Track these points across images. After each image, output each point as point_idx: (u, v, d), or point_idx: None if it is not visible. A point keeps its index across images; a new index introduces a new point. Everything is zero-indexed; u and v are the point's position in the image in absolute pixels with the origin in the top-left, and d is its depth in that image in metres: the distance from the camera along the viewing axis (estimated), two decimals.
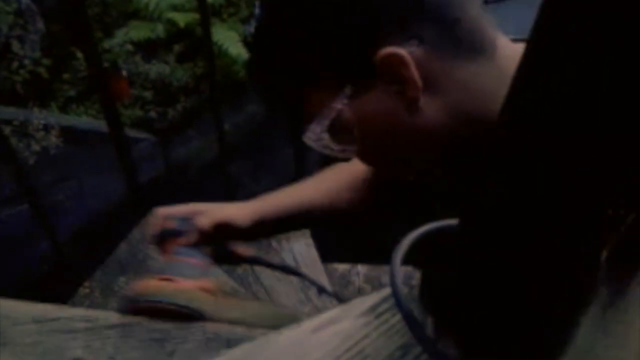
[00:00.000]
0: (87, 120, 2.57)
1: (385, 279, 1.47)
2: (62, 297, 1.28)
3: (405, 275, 1.46)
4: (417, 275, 1.46)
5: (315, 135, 0.64)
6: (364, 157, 0.67)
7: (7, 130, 1.83)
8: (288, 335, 0.59)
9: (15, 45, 2.60)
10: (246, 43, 3.19)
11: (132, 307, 0.81)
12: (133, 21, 3.14)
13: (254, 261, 0.96)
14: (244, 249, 0.93)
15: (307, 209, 0.97)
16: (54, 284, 1.42)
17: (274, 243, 1.60)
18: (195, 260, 0.87)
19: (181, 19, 3.02)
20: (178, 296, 0.79)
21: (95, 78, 1.25)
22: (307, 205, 0.98)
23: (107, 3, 3.11)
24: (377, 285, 1.51)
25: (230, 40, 3.06)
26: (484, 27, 0.59)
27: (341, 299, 1.04)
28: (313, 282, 1.06)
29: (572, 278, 0.37)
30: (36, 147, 2.01)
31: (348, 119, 0.61)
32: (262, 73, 0.69)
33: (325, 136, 0.64)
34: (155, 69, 2.96)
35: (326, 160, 0.92)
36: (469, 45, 0.58)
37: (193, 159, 2.83)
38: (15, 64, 2.58)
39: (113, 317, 0.81)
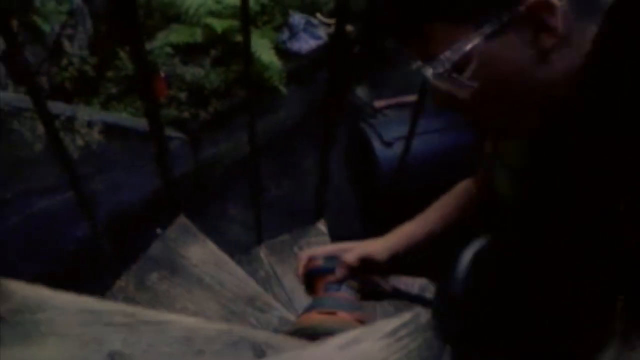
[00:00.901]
0: (126, 117, 2.62)
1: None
2: (97, 286, 1.32)
3: (420, 287, 1.48)
4: (430, 288, 1.48)
5: (440, 68, 0.61)
6: (476, 99, 0.64)
7: (55, 124, 1.87)
8: (315, 350, 0.61)
9: (66, 44, 2.66)
10: (278, 50, 3.21)
11: (302, 335, 0.85)
12: (174, 25, 3.18)
13: (396, 294, 1.00)
14: (386, 283, 0.98)
15: (433, 236, 1.00)
16: (92, 272, 1.46)
17: (295, 249, 1.62)
18: (347, 295, 0.92)
19: (219, 25, 3.05)
20: (340, 328, 0.82)
21: (141, 78, 1.28)
22: (434, 232, 1.00)
23: (151, 7, 3.16)
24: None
25: (263, 48, 3.08)
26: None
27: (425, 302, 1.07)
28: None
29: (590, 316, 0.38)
30: (80, 142, 2.06)
31: (477, 57, 0.60)
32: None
33: (451, 69, 0.61)
34: (192, 71, 3.00)
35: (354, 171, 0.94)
36: (596, 11, 0.57)
37: (221, 159, 2.87)
38: (64, 61, 2.65)
39: (149, 313, 0.84)
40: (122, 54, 2.88)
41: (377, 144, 2.40)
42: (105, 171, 2.17)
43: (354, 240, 1.00)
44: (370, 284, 0.97)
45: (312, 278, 0.98)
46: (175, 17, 3.17)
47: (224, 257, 1.36)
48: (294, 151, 3.03)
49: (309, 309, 0.91)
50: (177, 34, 3.09)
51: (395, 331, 0.60)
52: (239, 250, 1.69)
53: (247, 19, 1.20)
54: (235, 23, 3.03)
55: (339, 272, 0.94)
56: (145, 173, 2.24)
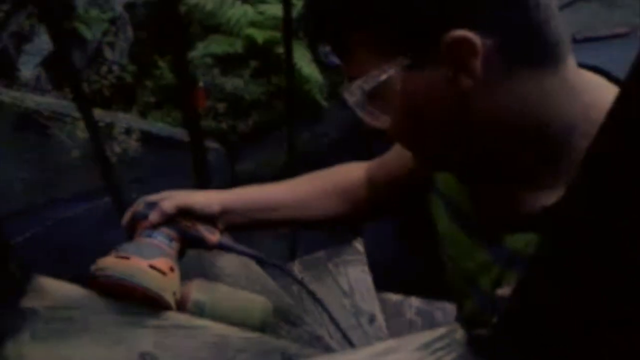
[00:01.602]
0: (163, 126, 2.72)
1: (439, 315, 1.49)
2: None
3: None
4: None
5: (356, 94, 0.61)
6: (394, 130, 0.64)
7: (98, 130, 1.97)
8: (348, 358, 0.63)
9: (107, 51, 2.79)
10: (319, 63, 3.27)
11: (89, 281, 0.87)
12: (214, 35, 3.28)
13: (222, 247, 0.98)
14: (212, 235, 0.95)
15: (277, 206, 0.99)
16: None
17: (330, 265, 1.64)
18: (156, 241, 0.90)
19: (259, 35, 3.13)
20: (127, 272, 0.84)
21: (181, 89, 1.33)
22: (279, 203, 1.00)
23: (191, 17, 3.28)
24: (428, 319, 1.52)
25: (303, 60, 3.14)
26: (561, 40, 0.57)
27: (289, 273, 1.05)
28: (269, 262, 1.05)
29: None
30: (117, 149, 2.15)
31: (392, 88, 0.59)
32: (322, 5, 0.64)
33: (364, 98, 0.61)
34: (231, 82, 3.08)
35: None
36: (542, 54, 0.57)
37: (259, 172, 2.93)
38: (104, 69, 2.78)
39: (182, 318, 0.88)
40: (161, 63, 2.99)
41: None
42: (141, 178, 2.25)
43: (391, 259, 1.01)
44: (191, 233, 0.94)
45: (133, 222, 0.95)
46: (215, 28, 3.27)
47: (257, 270, 1.39)
48: (333, 166, 3.06)
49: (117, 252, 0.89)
50: (217, 44, 3.18)
51: (430, 344, 0.61)
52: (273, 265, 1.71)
53: (289, 30, 1.24)
54: (276, 34, 3.10)
55: (152, 217, 0.91)
56: (180, 182, 2.31)
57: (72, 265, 1.98)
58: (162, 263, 0.87)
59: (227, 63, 3.20)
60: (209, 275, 1.33)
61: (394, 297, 1.61)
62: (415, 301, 1.59)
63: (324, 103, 3.23)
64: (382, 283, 1.62)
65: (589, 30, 2.38)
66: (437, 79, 0.57)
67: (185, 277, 1.39)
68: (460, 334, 0.64)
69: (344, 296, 1.57)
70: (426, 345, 0.62)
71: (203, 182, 1.47)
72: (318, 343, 1.20)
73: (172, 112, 2.90)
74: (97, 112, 2.30)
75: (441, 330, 0.64)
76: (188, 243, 0.95)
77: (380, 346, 0.64)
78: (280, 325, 1.21)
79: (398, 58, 0.57)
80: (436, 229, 0.89)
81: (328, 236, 2.03)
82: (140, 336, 0.84)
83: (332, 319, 0.96)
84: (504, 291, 0.55)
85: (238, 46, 3.18)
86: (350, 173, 1.06)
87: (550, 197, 0.61)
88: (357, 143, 1.81)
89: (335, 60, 3.29)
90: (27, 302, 0.85)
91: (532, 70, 0.57)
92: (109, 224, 1.46)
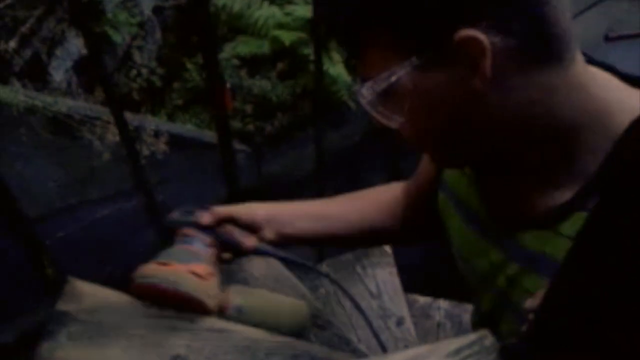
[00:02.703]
0: (191, 128, 2.75)
1: (467, 317, 1.48)
2: None
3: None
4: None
5: (368, 94, 0.62)
6: (406, 129, 0.65)
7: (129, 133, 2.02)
8: None
9: (136, 55, 2.84)
10: (347, 65, 3.28)
11: (130, 288, 0.90)
12: (241, 37, 3.30)
13: (258, 252, 0.99)
14: (248, 240, 0.97)
15: (321, 217, 1.01)
16: None
17: (357, 267, 1.65)
18: (194, 248, 0.93)
19: (287, 37, 3.15)
20: (168, 278, 0.87)
21: (211, 90, 1.35)
22: (323, 215, 1.01)
23: (218, 18, 3.31)
24: (457, 323, 1.52)
25: (331, 61, 3.15)
26: (570, 38, 0.58)
27: (343, 289, 1.06)
28: (335, 282, 1.07)
29: None
30: (146, 151, 2.19)
31: (403, 88, 0.60)
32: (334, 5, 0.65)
33: (376, 98, 0.62)
34: (258, 84, 3.11)
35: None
36: (552, 52, 0.57)
37: (285, 174, 2.95)
38: (133, 72, 2.83)
39: (213, 322, 0.89)
40: (189, 66, 3.03)
41: None
42: (169, 180, 2.29)
43: (420, 261, 1.01)
44: (227, 239, 0.96)
45: (171, 230, 0.99)
46: (243, 29, 3.29)
47: (285, 272, 1.41)
48: (361, 167, 3.06)
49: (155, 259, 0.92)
50: (244, 46, 3.21)
51: (459, 351, 0.62)
52: (300, 267, 1.73)
53: (318, 31, 1.26)
54: (303, 35, 3.11)
55: (201, 219, 0.95)
56: (207, 183, 2.35)
57: (104, 264, 2.04)
58: (201, 268, 0.90)
59: (254, 64, 3.22)
60: (237, 278, 1.35)
61: (422, 299, 1.61)
62: (443, 303, 1.59)
63: (352, 104, 3.23)
64: (411, 285, 1.62)
65: (619, 28, 2.34)
66: (448, 78, 0.58)
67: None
68: (489, 340, 0.64)
69: (372, 298, 1.57)
70: (456, 352, 0.62)
71: (231, 183, 1.50)
72: (347, 347, 1.20)
73: (200, 114, 2.94)
74: (126, 115, 2.34)
75: (471, 337, 0.65)
76: (224, 248, 0.97)
77: (410, 352, 0.65)
78: (308, 329, 1.22)
79: (409, 58, 0.58)
80: (445, 228, 0.89)
81: None
82: (172, 339, 0.86)
83: (368, 322, 0.97)
84: (533, 302, 0.56)
85: (265, 48, 3.20)
86: (390, 190, 1.08)
87: (562, 194, 0.62)
88: (384, 144, 1.81)
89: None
90: (63, 305, 0.88)
91: (541, 68, 0.57)
92: (139, 223, 1.49)
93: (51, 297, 0.90)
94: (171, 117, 2.90)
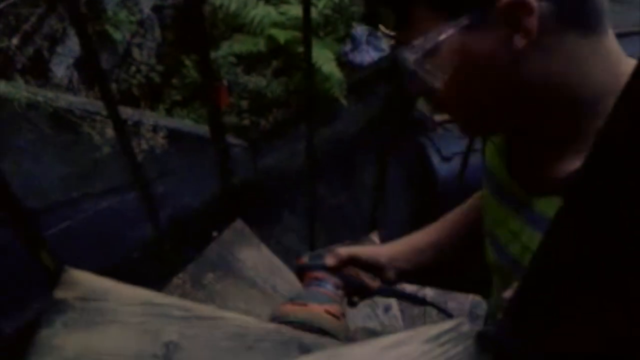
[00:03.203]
0: (189, 123, 2.75)
1: (452, 305, 1.49)
2: (156, 283, 1.40)
3: (472, 303, 1.48)
4: (483, 306, 1.47)
5: (415, 53, 0.63)
6: (445, 90, 0.65)
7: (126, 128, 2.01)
8: (358, 350, 0.64)
9: (135, 52, 2.83)
10: (340, 62, 3.27)
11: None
12: (237, 35, 3.30)
13: (382, 292, 1.04)
14: (372, 281, 1.01)
15: (436, 247, 1.02)
16: (150, 269, 1.56)
17: None
18: (325, 290, 0.97)
19: (282, 35, 3.15)
20: (307, 317, 0.91)
21: (206, 87, 1.35)
22: (436, 244, 1.03)
23: (216, 17, 3.30)
24: (419, 305, 1.53)
25: (324, 59, 3.15)
26: (604, 11, 0.59)
27: (449, 314, 1.10)
28: (443, 311, 1.13)
29: None
30: (145, 146, 2.19)
31: (449, 49, 0.61)
32: None
33: (422, 57, 0.63)
34: (254, 80, 3.10)
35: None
36: (590, 20, 0.58)
37: (280, 167, 2.95)
38: (133, 69, 2.82)
39: (205, 309, 0.90)
40: (187, 63, 3.02)
41: (435, 159, 2.41)
42: (167, 174, 2.29)
43: None
44: (355, 281, 0.99)
45: (301, 273, 1.04)
46: (240, 28, 3.29)
47: (278, 263, 1.41)
48: (353, 163, 3.07)
49: (288, 300, 0.97)
50: (240, 44, 3.20)
51: (439, 336, 0.62)
52: (293, 257, 1.74)
53: (308, 29, 1.25)
54: (297, 34, 3.11)
55: (329, 262, 0.98)
56: (205, 178, 2.34)
57: (100, 257, 2.04)
58: (335, 309, 0.94)
59: (250, 62, 3.22)
60: (232, 267, 1.36)
61: (408, 287, 1.62)
62: (429, 291, 1.59)
63: (344, 101, 3.23)
64: None
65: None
66: (493, 39, 0.59)
67: (211, 269, 1.42)
68: (466, 327, 0.64)
69: None
70: (435, 337, 0.63)
71: (225, 177, 1.50)
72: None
73: (198, 109, 2.94)
74: (125, 111, 2.34)
75: (449, 324, 0.65)
76: (352, 290, 1.01)
77: (389, 339, 0.65)
78: None
79: (457, 19, 0.59)
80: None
81: (346, 230, 2.05)
82: (165, 326, 0.86)
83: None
84: (510, 293, 0.56)
85: (261, 46, 3.20)
86: (475, 202, 1.07)
87: (577, 162, 0.62)
88: (376, 140, 1.82)
89: (355, 59, 3.27)
90: (60, 294, 0.88)
91: (579, 34, 0.58)
92: (140, 216, 1.49)
93: (50, 288, 0.89)
94: (170, 113, 2.89)
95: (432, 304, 1.14)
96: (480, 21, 0.59)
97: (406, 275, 1.02)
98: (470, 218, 1.03)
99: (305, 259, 1.03)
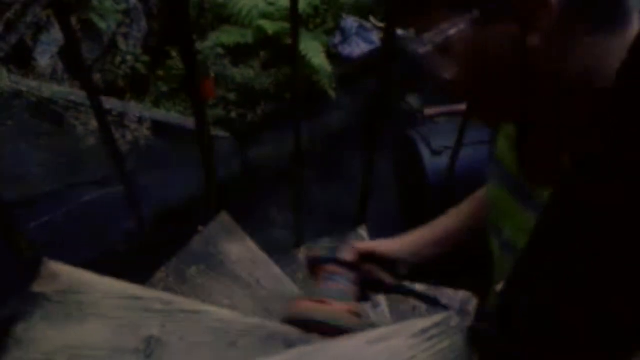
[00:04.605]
0: (175, 115, 2.72)
1: (442, 301, 1.48)
2: (140, 276, 1.38)
3: (462, 300, 1.48)
4: (473, 302, 1.47)
5: (427, 45, 0.63)
6: (457, 82, 0.65)
7: (107, 119, 1.98)
8: (343, 344, 0.63)
9: (121, 42, 2.79)
10: (329, 54, 3.26)
11: (292, 322, 0.91)
12: (225, 26, 3.27)
13: (398, 289, 1.03)
14: (388, 278, 1.00)
15: (448, 237, 1.02)
16: (134, 262, 1.53)
17: None
18: (343, 286, 0.96)
19: (270, 27, 3.13)
20: (327, 316, 0.90)
21: (190, 79, 1.33)
22: (448, 234, 1.02)
23: (203, 7, 3.27)
24: (431, 305, 1.52)
25: (314, 51, 3.13)
26: (628, 3, 0.58)
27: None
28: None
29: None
30: (130, 137, 2.16)
31: (462, 42, 0.61)
32: None
33: (434, 49, 0.63)
34: (241, 73, 3.08)
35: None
36: (607, 15, 0.57)
37: (268, 160, 2.93)
38: (118, 59, 2.78)
39: (187, 303, 0.88)
40: (173, 54, 2.99)
41: (425, 152, 2.40)
42: (152, 166, 2.26)
43: None
44: (370, 277, 0.98)
45: (314, 266, 1.01)
46: (227, 19, 3.26)
47: (263, 256, 1.40)
48: (341, 156, 3.06)
49: (303, 296, 0.96)
50: (228, 35, 3.17)
51: (426, 331, 0.61)
52: (279, 251, 1.73)
53: (296, 20, 1.23)
54: (286, 25, 3.09)
55: (347, 256, 0.97)
56: (190, 170, 2.32)
57: (84, 250, 2.01)
58: (356, 307, 0.93)
59: (237, 54, 3.20)
60: (216, 260, 1.34)
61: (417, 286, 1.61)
62: (418, 287, 1.59)
63: (333, 93, 3.22)
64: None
65: None
66: (507, 32, 0.58)
67: (195, 262, 1.41)
68: (455, 321, 0.63)
69: None
70: (422, 332, 0.62)
71: (209, 169, 1.47)
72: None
73: (184, 101, 2.91)
74: (110, 101, 2.31)
75: (437, 318, 0.64)
76: (368, 286, 1.00)
77: (378, 332, 0.64)
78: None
79: (470, 12, 0.58)
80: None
81: (334, 223, 2.04)
82: (146, 320, 0.84)
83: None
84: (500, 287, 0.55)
85: (249, 37, 3.18)
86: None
87: None
88: (364, 133, 1.80)
89: (345, 51, 3.25)
90: (38, 287, 0.86)
91: (597, 28, 0.57)
92: (123, 210, 1.47)
93: (27, 281, 0.88)
94: (156, 104, 2.86)
95: (445, 307, 1.14)
96: (492, 15, 0.58)
97: (418, 269, 1.02)
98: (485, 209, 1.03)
99: (317, 251, 1.01)
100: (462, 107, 2.12)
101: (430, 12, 0.63)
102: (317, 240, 1.73)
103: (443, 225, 1.05)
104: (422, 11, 0.64)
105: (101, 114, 1.14)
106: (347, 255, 0.97)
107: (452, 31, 0.60)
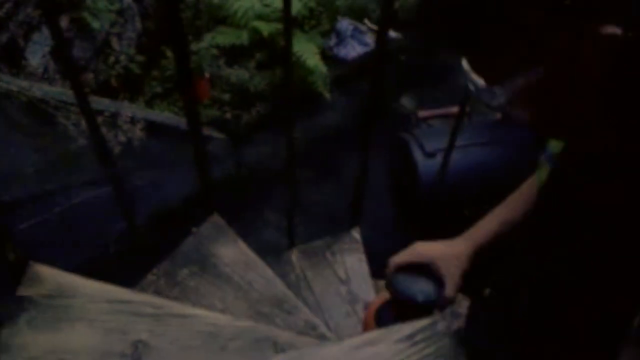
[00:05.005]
0: (169, 115, 2.71)
1: None
2: (131, 278, 1.37)
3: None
4: (464, 304, 1.47)
5: (494, 100, 0.61)
6: (535, 119, 0.63)
7: (99, 120, 1.97)
8: (331, 349, 0.63)
9: (114, 42, 2.78)
10: (324, 56, 3.25)
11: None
12: (221, 27, 3.26)
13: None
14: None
15: (506, 227, 0.99)
16: (127, 263, 1.52)
17: (327, 254, 1.64)
18: None
19: (265, 28, 3.12)
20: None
21: (183, 79, 1.32)
22: (507, 224, 0.99)
23: (199, 8, 3.26)
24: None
25: (309, 52, 3.13)
26: None
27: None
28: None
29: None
30: (122, 138, 2.15)
31: (535, 85, 0.58)
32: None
33: (501, 105, 0.61)
34: (236, 73, 3.07)
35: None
36: None
37: (262, 162, 2.92)
38: (111, 59, 2.76)
39: (177, 307, 0.88)
40: (168, 54, 2.98)
41: (418, 155, 2.40)
42: (146, 167, 2.25)
43: (389, 249, 1.00)
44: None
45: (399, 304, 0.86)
46: (223, 19, 3.25)
47: (255, 258, 1.39)
48: (336, 157, 3.05)
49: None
50: (223, 36, 3.16)
51: (412, 336, 0.61)
52: (272, 253, 1.72)
53: (289, 21, 1.23)
54: (281, 27, 3.07)
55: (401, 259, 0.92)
56: (184, 171, 2.31)
57: (75, 252, 2.00)
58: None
59: (232, 54, 3.19)
60: (207, 262, 1.33)
61: None
62: None
63: (328, 95, 3.21)
64: (379, 271, 1.62)
65: None
66: (577, 72, 0.55)
67: (186, 264, 1.40)
68: (442, 325, 0.63)
69: (341, 284, 1.56)
70: (409, 337, 0.61)
71: (202, 170, 1.47)
72: (313, 332, 1.19)
73: (178, 101, 2.90)
74: (102, 101, 2.29)
75: (424, 322, 0.64)
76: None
77: (364, 337, 0.64)
78: (275, 314, 1.21)
79: (537, 65, 0.56)
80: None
81: (328, 225, 2.03)
82: (134, 324, 0.84)
83: None
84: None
85: (244, 38, 3.17)
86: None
87: None
88: (359, 134, 1.80)
89: (340, 53, 3.24)
90: (25, 291, 0.85)
91: None
92: (116, 210, 1.47)
93: (13, 285, 0.87)
94: (150, 105, 2.85)
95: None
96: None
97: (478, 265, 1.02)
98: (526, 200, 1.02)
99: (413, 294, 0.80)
100: (455, 109, 2.12)
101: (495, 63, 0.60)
102: (310, 242, 1.73)
103: (510, 215, 1.02)
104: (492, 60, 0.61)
105: (91, 115, 1.14)
106: (449, 297, 0.80)
107: (524, 79, 0.58)
